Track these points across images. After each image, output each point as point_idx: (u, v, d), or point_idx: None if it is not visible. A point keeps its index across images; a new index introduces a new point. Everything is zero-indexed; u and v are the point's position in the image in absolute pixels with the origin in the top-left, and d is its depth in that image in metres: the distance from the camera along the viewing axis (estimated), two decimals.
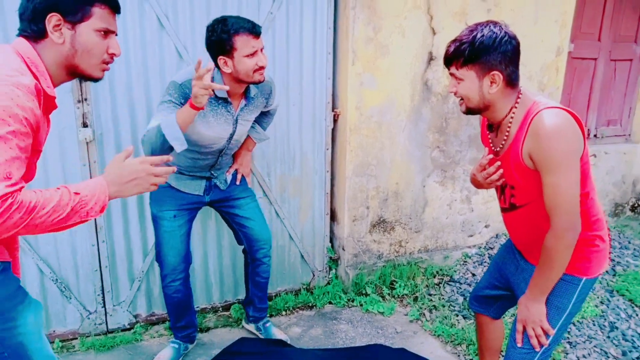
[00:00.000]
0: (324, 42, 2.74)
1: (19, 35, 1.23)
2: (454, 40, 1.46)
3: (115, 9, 1.30)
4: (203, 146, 2.10)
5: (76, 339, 2.48)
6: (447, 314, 2.82)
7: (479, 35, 1.40)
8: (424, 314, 2.86)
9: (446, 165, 3.19)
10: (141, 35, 2.35)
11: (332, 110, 2.86)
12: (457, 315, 2.83)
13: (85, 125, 2.31)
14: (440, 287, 3.08)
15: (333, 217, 3.08)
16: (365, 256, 3.07)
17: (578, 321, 2.83)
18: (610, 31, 3.80)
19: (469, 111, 1.54)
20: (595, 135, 4.00)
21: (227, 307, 2.80)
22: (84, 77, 1.30)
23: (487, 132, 1.64)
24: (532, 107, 1.44)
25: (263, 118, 2.37)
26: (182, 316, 2.33)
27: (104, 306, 2.54)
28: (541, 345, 1.55)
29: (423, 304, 2.93)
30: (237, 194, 2.35)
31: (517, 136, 1.46)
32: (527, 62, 3.23)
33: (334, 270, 3.11)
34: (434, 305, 2.92)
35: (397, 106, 2.92)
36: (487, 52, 1.40)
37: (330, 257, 3.08)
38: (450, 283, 3.14)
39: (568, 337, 2.68)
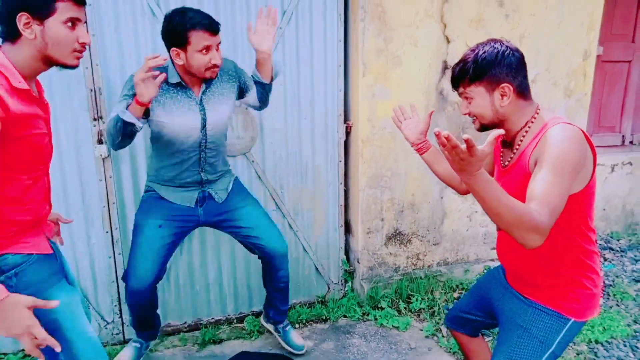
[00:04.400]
0: (334, 54, 2.75)
1: None
2: (459, 62, 1.48)
3: (79, 0, 1.38)
4: (179, 142, 2.03)
5: None
6: None
7: (481, 52, 1.42)
8: (441, 330, 2.78)
9: None
10: (153, 50, 2.43)
11: (344, 122, 2.86)
12: None
13: (100, 142, 2.41)
14: None
15: (348, 229, 3.06)
16: (381, 269, 3.02)
17: (607, 341, 2.68)
18: None
19: (484, 128, 1.53)
20: (631, 142, 3.79)
21: (241, 319, 2.82)
22: (60, 65, 1.41)
23: (502, 147, 1.60)
24: (550, 121, 1.41)
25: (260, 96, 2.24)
26: (147, 324, 2.30)
27: (121, 317, 2.62)
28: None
29: (440, 319, 2.85)
30: (233, 204, 2.20)
31: (528, 145, 1.43)
32: (552, 68, 3.11)
33: (349, 283, 3.08)
34: None
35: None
36: (492, 66, 1.41)
37: (346, 270, 3.06)
38: None
39: (595, 359, 2.54)
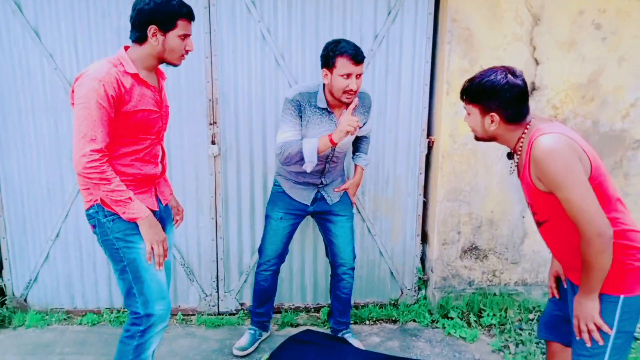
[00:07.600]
0: (421, 74, 2.96)
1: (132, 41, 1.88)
2: (469, 79, 1.68)
3: (191, 19, 1.89)
4: None
5: (194, 315, 3.06)
6: (534, 351, 2.73)
7: (484, 80, 1.60)
8: (509, 347, 2.80)
9: None
10: (261, 73, 2.87)
11: (427, 137, 3.04)
12: (545, 354, 2.71)
13: (213, 142, 2.89)
14: (533, 323, 2.97)
15: (425, 239, 3.22)
16: (454, 280, 3.12)
17: None
18: None
19: (477, 139, 1.76)
20: None
21: (317, 309, 3.13)
22: (168, 64, 1.92)
23: (508, 158, 1.76)
24: (533, 134, 1.57)
25: (361, 144, 2.69)
26: (263, 304, 2.71)
27: (217, 291, 3.08)
28: (600, 345, 1.57)
29: (510, 336, 2.87)
30: (337, 210, 2.64)
31: (525, 163, 1.60)
32: None
33: (423, 291, 3.22)
34: (521, 340, 2.84)
35: None
36: (487, 96, 1.60)
37: (420, 278, 3.21)
38: None
39: None
